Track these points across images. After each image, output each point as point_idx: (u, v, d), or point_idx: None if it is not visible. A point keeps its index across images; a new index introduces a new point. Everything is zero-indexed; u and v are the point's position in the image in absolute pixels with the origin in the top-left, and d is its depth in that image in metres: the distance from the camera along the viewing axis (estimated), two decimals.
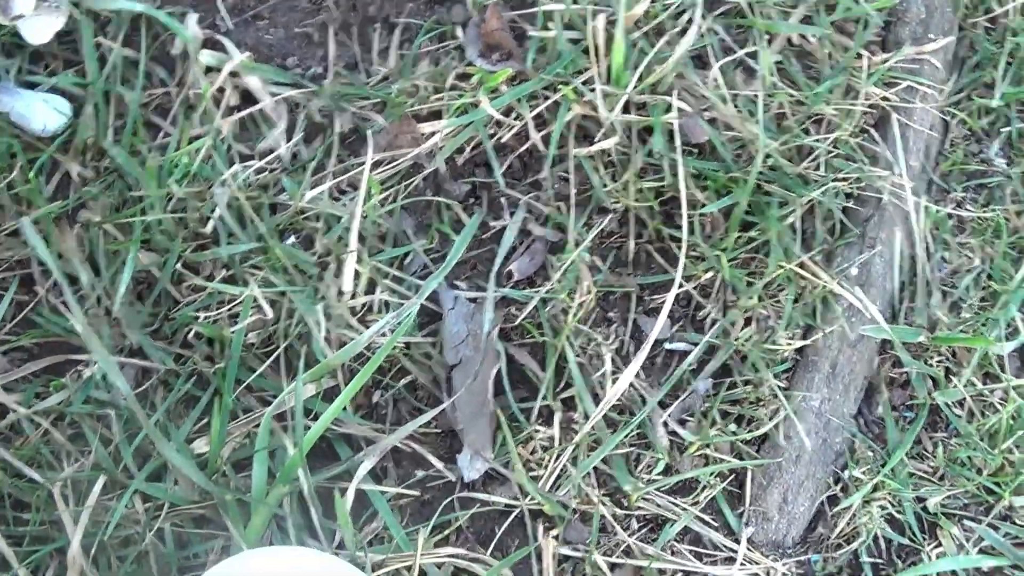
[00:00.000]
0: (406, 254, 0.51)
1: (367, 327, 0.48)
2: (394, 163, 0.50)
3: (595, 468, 0.47)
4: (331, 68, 0.52)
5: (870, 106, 0.53)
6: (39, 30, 0.48)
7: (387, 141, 0.50)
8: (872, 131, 0.53)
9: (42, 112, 0.50)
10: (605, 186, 0.51)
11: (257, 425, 0.46)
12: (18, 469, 0.47)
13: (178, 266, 0.50)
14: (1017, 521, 0.49)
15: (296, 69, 0.52)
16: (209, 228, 0.49)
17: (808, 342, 0.50)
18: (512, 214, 0.51)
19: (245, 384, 0.48)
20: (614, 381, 0.47)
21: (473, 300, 0.50)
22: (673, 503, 0.48)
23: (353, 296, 0.48)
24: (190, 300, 0.50)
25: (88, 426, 0.48)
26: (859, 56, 0.53)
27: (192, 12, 0.52)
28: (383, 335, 0.47)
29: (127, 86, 0.52)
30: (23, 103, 0.50)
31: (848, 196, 0.52)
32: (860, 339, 0.50)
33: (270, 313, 0.47)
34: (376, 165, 0.50)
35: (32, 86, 0.52)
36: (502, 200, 0.52)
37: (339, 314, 0.47)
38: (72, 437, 0.48)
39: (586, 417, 0.47)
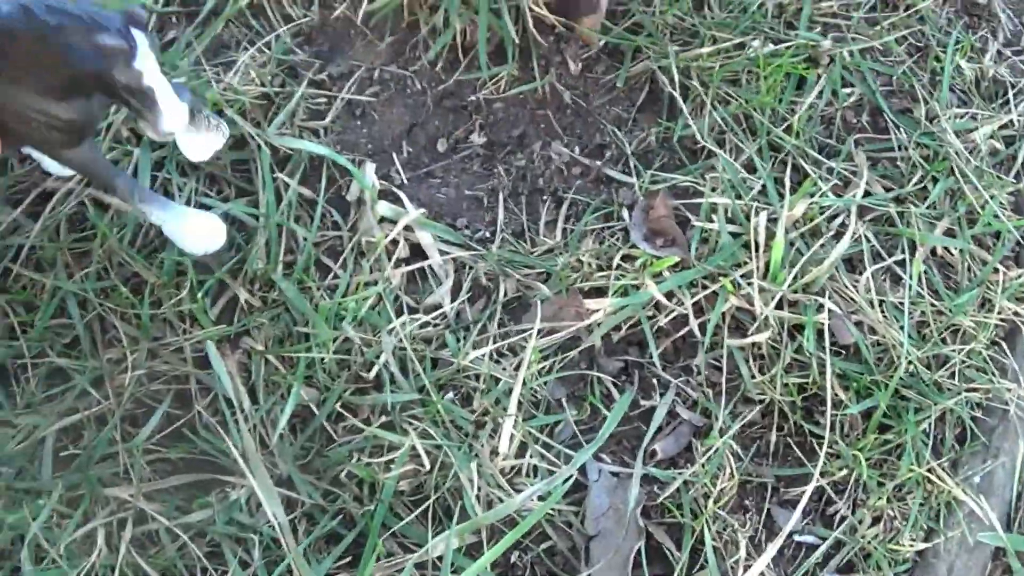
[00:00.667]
0: (557, 422, 0.87)
1: (515, 488, 0.83)
2: (554, 334, 0.88)
3: None
4: (499, 233, 0.90)
5: (1001, 319, 0.92)
6: (197, 148, 0.83)
7: (551, 312, 0.87)
8: (1002, 343, 0.92)
9: (196, 233, 0.88)
10: (753, 377, 0.88)
11: (399, 570, 0.80)
12: None
13: (337, 405, 0.85)
14: None
15: (465, 230, 0.90)
16: (372, 374, 0.85)
17: (929, 545, 0.86)
18: (662, 395, 0.88)
19: (391, 530, 0.83)
20: (746, 568, 0.83)
21: (616, 474, 0.87)
22: None
23: (504, 457, 0.83)
24: (345, 440, 0.85)
25: (228, 547, 0.83)
26: (996, 270, 0.93)
27: (370, 161, 0.90)
28: (531, 500, 0.82)
29: (300, 223, 0.88)
30: (179, 220, 0.88)
31: (977, 406, 0.90)
32: (977, 545, 0.86)
33: (428, 465, 0.83)
34: (537, 333, 0.86)
35: (206, 207, 0.88)
36: (653, 380, 0.89)
37: (491, 473, 0.83)
38: (208, 555, 0.84)
39: None
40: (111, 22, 0.61)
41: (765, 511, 0.89)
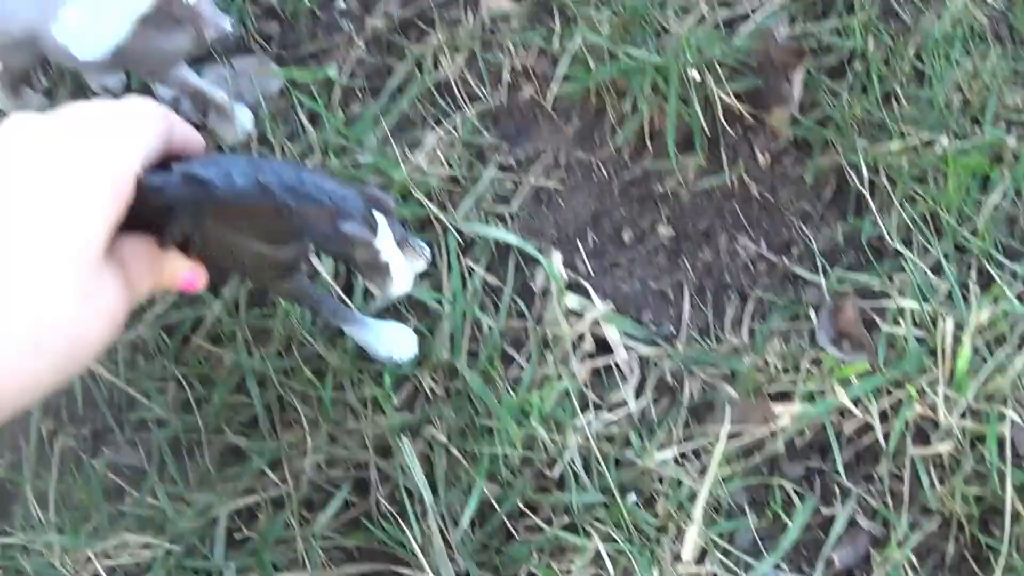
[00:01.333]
0: (738, 528, 0.99)
1: None
2: (739, 437, 1.00)
3: None
4: (684, 330, 1.02)
5: None
6: (405, 283, 0.91)
7: (738, 415, 0.99)
8: None
9: (389, 344, 0.98)
10: (933, 487, 1.00)
11: None
12: None
13: (519, 502, 0.97)
14: None
15: (650, 325, 1.02)
16: (556, 472, 0.97)
17: None
18: (843, 503, 1.00)
19: None
20: None
21: None
22: None
23: (685, 564, 0.95)
24: (526, 539, 0.97)
25: None
26: None
27: (556, 251, 1.02)
28: None
29: (485, 311, 1.01)
30: (375, 334, 0.97)
31: None
32: None
33: (612, 570, 0.95)
34: (719, 437, 0.98)
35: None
36: (835, 488, 1.01)
37: None
38: None
39: None
40: (355, 208, 0.63)
41: None
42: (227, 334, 1.03)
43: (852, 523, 1.00)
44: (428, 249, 0.73)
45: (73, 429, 1.07)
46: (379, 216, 0.66)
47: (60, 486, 1.05)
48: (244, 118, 1.08)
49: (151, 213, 0.63)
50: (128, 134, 0.58)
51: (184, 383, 1.04)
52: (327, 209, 0.61)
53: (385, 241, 0.66)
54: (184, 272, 0.67)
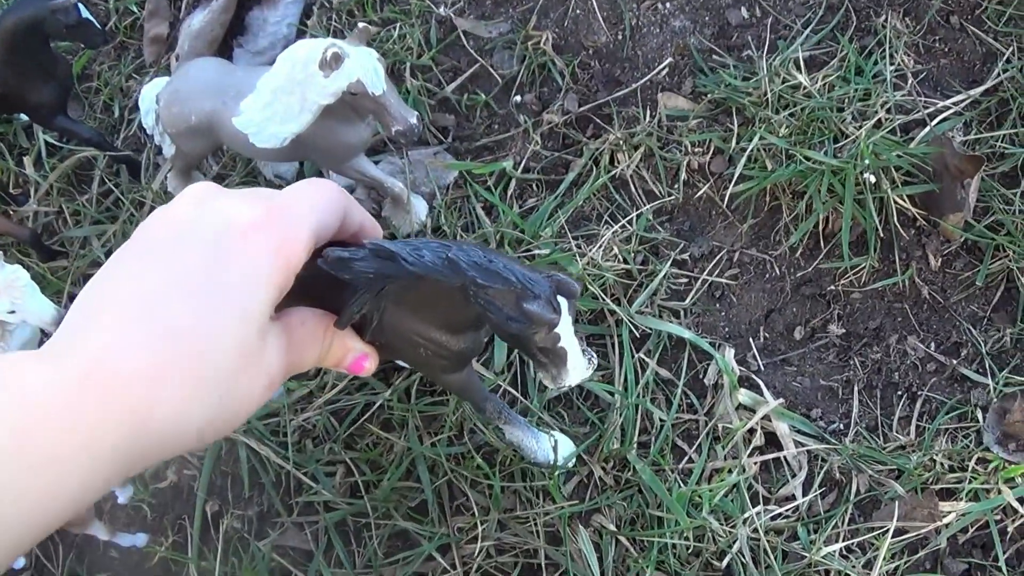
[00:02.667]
0: None
1: None
2: (903, 533, 1.34)
3: None
4: (852, 427, 1.37)
5: None
6: (579, 373, 0.92)
7: (904, 511, 1.33)
8: None
9: (548, 451, 1.21)
10: None
11: None
12: None
13: None
14: None
15: (819, 421, 1.36)
16: (724, 563, 1.31)
17: None
18: None
19: None
20: None
21: None
22: None
23: None
24: None
25: None
26: None
27: (728, 346, 1.37)
28: None
29: (655, 403, 1.36)
30: (534, 441, 1.21)
31: None
32: None
33: None
34: (885, 533, 1.28)
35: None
36: None
37: None
38: None
39: None
40: (542, 290, 0.69)
41: None
42: (398, 421, 1.27)
43: None
44: (596, 358, 0.84)
45: (239, 511, 1.33)
46: (563, 301, 0.76)
47: (224, 567, 1.29)
48: (420, 208, 1.34)
49: (325, 288, 0.70)
50: (302, 203, 0.64)
51: (353, 467, 1.30)
52: (514, 289, 0.68)
53: (566, 326, 0.77)
54: (356, 353, 0.78)
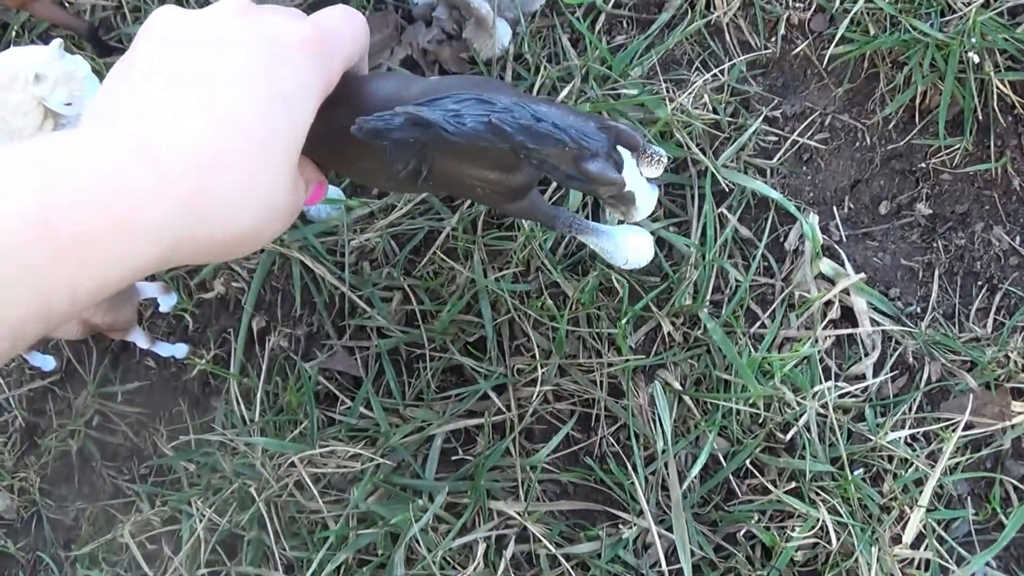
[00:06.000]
0: (955, 518, 1.18)
1: None
2: (973, 429, 1.18)
3: None
4: (929, 312, 1.20)
5: None
6: (649, 208, 0.91)
7: (974, 405, 1.18)
8: None
9: (628, 249, 1.08)
10: None
11: None
12: None
13: (747, 461, 1.16)
14: None
15: (897, 301, 1.20)
16: (788, 436, 1.16)
17: None
18: None
19: None
20: None
21: None
22: None
23: (903, 546, 1.13)
24: (747, 499, 1.16)
25: None
26: None
27: (814, 212, 1.21)
28: None
29: (731, 262, 1.19)
30: (613, 240, 1.08)
31: None
32: None
33: (835, 542, 1.14)
34: (955, 425, 1.16)
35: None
36: None
37: (888, 560, 1.13)
38: None
39: None
40: (599, 145, 0.64)
41: None
42: (462, 251, 1.17)
43: None
44: (666, 157, 0.76)
45: (287, 329, 1.23)
46: (624, 152, 0.71)
47: (267, 386, 1.21)
48: (503, 33, 1.22)
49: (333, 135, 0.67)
50: (346, 31, 0.64)
51: (411, 295, 1.19)
52: (570, 150, 0.63)
53: (630, 173, 0.71)
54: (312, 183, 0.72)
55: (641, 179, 0.76)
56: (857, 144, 1.21)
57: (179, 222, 0.50)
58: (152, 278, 1.19)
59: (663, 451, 1.12)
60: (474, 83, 0.68)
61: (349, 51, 0.63)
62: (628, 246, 1.06)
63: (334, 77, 0.62)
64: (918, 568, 1.11)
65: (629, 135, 0.69)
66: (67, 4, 1.31)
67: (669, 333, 1.17)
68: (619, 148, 0.71)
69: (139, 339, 1.15)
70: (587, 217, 1.10)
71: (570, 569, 1.09)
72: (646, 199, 0.79)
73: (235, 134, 0.53)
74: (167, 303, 1.19)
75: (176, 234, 0.50)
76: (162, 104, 0.53)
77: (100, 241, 0.46)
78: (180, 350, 1.20)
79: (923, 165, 1.20)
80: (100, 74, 1.27)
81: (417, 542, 1.09)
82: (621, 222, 1.08)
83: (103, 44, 1.29)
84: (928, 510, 1.12)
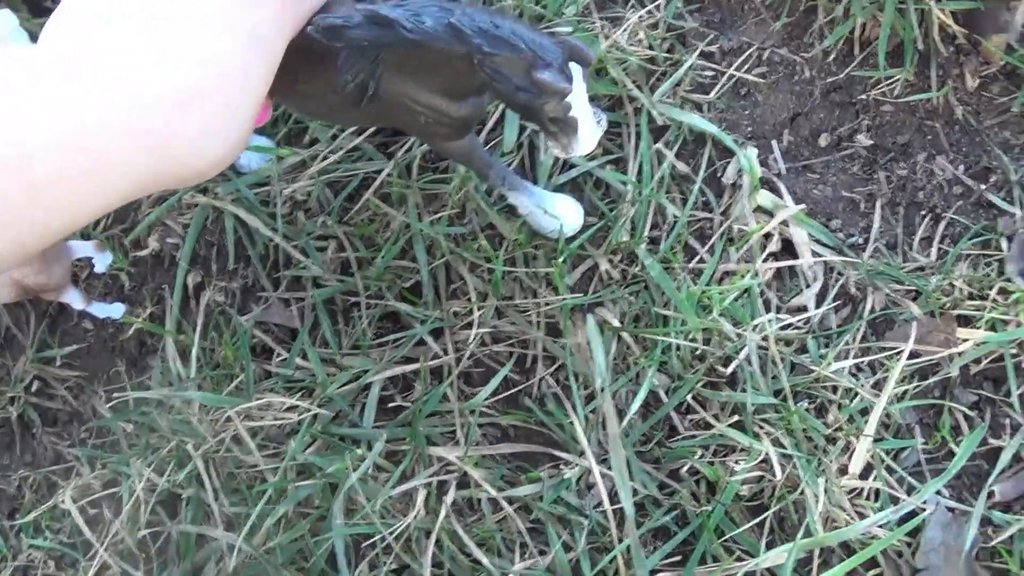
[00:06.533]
0: (904, 448, 1.14)
1: (855, 509, 1.10)
2: (916, 357, 1.14)
3: None
4: (872, 242, 1.17)
5: None
6: (591, 142, 0.98)
7: (920, 334, 1.14)
8: None
9: (555, 215, 1.08)
10: None
11: (727, 574, 1.06)
12: (467, 547, 1.05)
13: (688, 397, 1.12)
14: None
15: (838, 233, 1.17)
16: (729, 369, 1.12)
17: None
18: (1012, 436, 1.15)
19: (724, 535, 1.09)
20: None
21: (951, 510, 1.14)
22: None
23: (850, 477, 1.09)
24: (689, 435, 1.12)
25: (552, 527, 1.08)
26: None
27: (751, 146, 1.17)
28: (875, 527, 1.07)
29: (669, 198, 1.15)
30: (538, 201, 1.07)
31: None
32: None
33: (779, 474, 1.10)
34: (900, 353, 1.12)
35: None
36: (1005, 420, 1.16)
37: (835, 491, 1.09)
38: (530, 531, 1.05)
39: None
40: (553, 57, 0.64)
41: None
42: (396, 197, 1.15)
43: (1017, 458, 1.12)
44: (605, 117, 0.76)
45: (222, 283, 1.19)
46: (576, 68, 0.69)
47: (204, 342, 1.17)
48: None
49: (310, 62, 0.68)
50: None
51: (346, 242, 1.16)
52: (523, 57, 0.62)
53: (579, 94, 0.70)
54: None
55: (587, 110, 0.73)
56: (796, 78, 1.18)
57: (152, 161, 0.51)
58: (86, 237, 1.15)
59: (602, 389, 1.07)
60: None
61: None
62: (558, 211, 1.06)
63: (306, 17, 0.62)
64: (867, 499, 1.08)
65: (582, 50, 0.68)
66: None
67: (607, 271, 1.14)
68: (571, 65, 0.69)
69: (74, 300, 1.12)
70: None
71: (512, 512, 1.06)
72: (588, 129, 0.75)
73: (213, 75, 0.53)
74: (103, 262, 1.16)
75: (147, 171, 0.51)
76: (140, 46, 0.52)
77: (75, 180, 0.47)
78: (117, 310, 1.16)
79: (863, 97, 1.17)
80: (32, 37, 1.24)
81: (356, 492, 1.06)
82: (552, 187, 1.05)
83: (37, 4, 1.26)
84: (875, 440, 1.09)
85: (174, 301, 1.20)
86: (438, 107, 0.72)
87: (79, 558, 1.13)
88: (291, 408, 1.09)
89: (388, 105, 0.72)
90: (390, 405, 1.13)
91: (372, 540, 1.05)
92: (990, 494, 1.10)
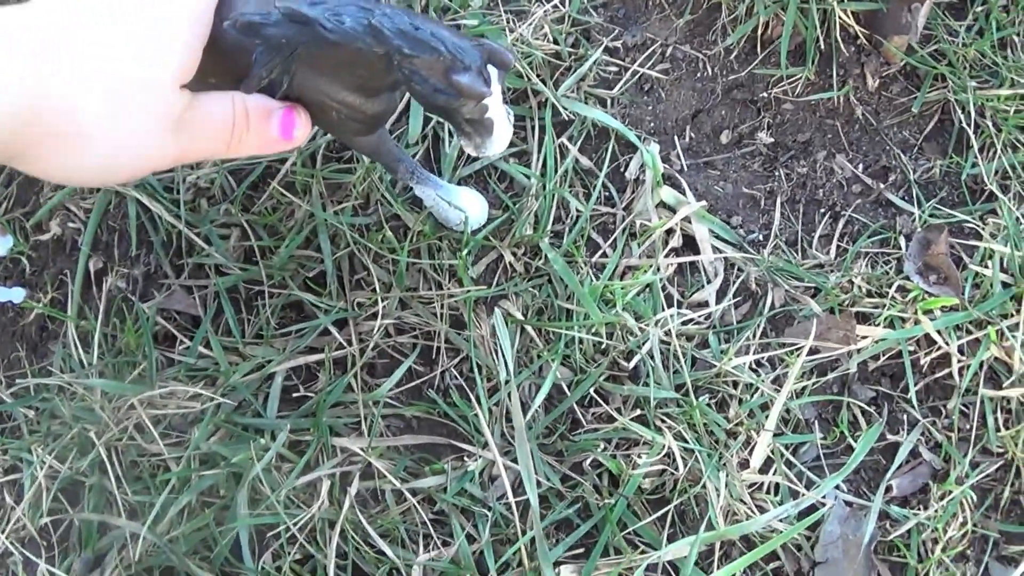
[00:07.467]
0: (803, 442, 1.13)
1: (756, 503, 1.09)
2: (815, 354, 1.13)
3: None
4: (772, 239, 1.15)
5: None
6: (503, 143, 0.87)
7: (819, 331, 1.13)
8: None
9: (460, 209, 1.06)
10: (998, 431, 1.15)
11: (628, 569, 1.03)
12: (371, 538, 1.02)
13: (591, 390, 1.10)
14: None
15: (739, 229, 1.15)
16: (632, 363, 1.10)
17: None
18: (909, 432, 1.14)
19: (627, 528, 1.07)
20: None
21: (849, 504, 1.13)
22: None
23: (751, 471, 1.08)
24: (592, 428, 1.10)
25: (456, 518, 1.05)
26: None
27: (654, 141, 1.15)
28: (775, 520, 1.06)
29: (572, 193, 1.13)
30: (444, 195, 1.05)
31: None
32: None
33: (682, 468, 1.08)
34: (800, 349, 1.11)
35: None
36: (902, 416, 1.15)
37: (736, 485, 1.08)
38: (433, 522, 1.03)
39: None
40: (472, 59, 0.63)
41: (984, 564, 1.15)
42: (300, 186, 1.11)
43: (914, 453, 1.11)
44: (512, 114, 0.75)
45: (124, 269, 1.15)
46: (492, 71, 0.68)
47: (105, 328, 1.13)
48: None
49: (230, 58, 0.66)
50: None
51: (249, 231, 1.12)
52: (442, 59, 0.62)
53: (495, 97, 0.69)
54: (279, 114, 0.69)
55: (501, 110, 0.73)
56: (698, 74, 1.16)
57: (21, 106, 0.51)
58: None
59: (506, 381, 1.05)
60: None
61: None
62: (463, 204, 1.04)
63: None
64: (767, 492, 1.07)
65: (502, 54, 0.67)
66: None
67: (511, 263, 1.11)
68: (489, 68, 0.69)
69: None
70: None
71: (416, 504, 1.03)
72: (502, 130, 0.75)
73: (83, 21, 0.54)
74: (3, 246, 1.11)
75: (16, 121, 0.51)
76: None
77: None
78: (17, 294, 1.11)
79: (765, 95, 1.16)
80: None
81: (260, 482, 1.02)
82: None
83: None
84: (776, 434, 1.08)
85: (75, 286, 1.15)
86: (351, 103, 0.70)
87: None
88: (194, 397, 1.06)
89: (300, 99, 0.70)
90: (294, 395, 1.09)
91: (276, 530, 1.02)
92: (887, 489, 1.10)
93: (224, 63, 0.66)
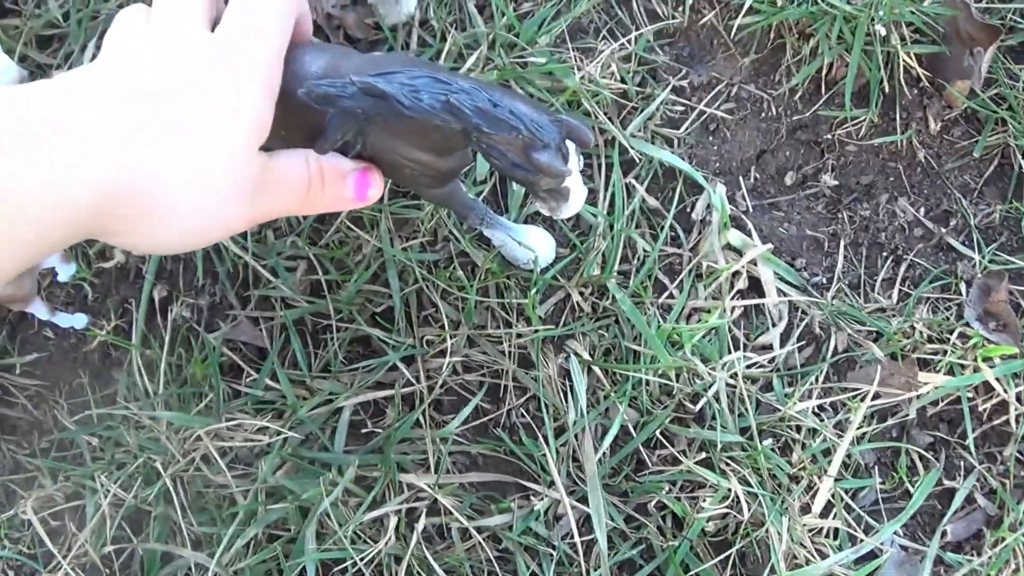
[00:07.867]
0: (863, 487, 1.12)
1: (816, 547, 1.08)
2: (880, 399, 1.13)
3: None
4: (835, 282, 1.15)
5: None
6: (578, 207, 0.84)
7: (881, 376, 1.12)
8: None
9: (529, 248, 1.05)
10: None
11: None
12: (437, 574, 1.01)
13: (657, 432, 1.09)
14: None
15: (803, 272, 1.15)
16: (697, 407, 1.10)
17: None
18: (965, 478, 1.14)
19: (691, 572, 1.07)
20: None
21: (905, 548, 1.13)
22: None
23: (812, 516, 1.07)
24: (657, 470, 1.09)
25: (521, 557, 1.06)
26: None
27: (721, 183, 1.14)
28: (836, 566, 1.06)
29: (639, 232, 1.13)
30: (513, 235, 1.04)
31: None
32: None
33: (747, 512, 1.08)
34: (862, 395, 1.11)
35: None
36: (959, 462, 1.15)
37: (798, 530, 1.08)
38: (498, 559, 1.03)
39: None
40: (551, 137, 0.62)
41: None
42: (368, 220, 1.10)
43: (970, 499, 1.11)
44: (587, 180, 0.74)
45: (189, 299, 1.14)
46: (571, 145, 0.68)
47: (170, 357, 1.12)
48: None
49: (300, 108, 0.65)
50: (269, 21, 0.60)
51: (316, 264, 1.11)
52: (522, 138, 0.61)
53: (573, 171, 0.69)
54: (354, 174, 0.68)
55: (579, 181, 0.72)
56: (763, 115, 1.15)
57: (102, 194, 0.51)
58: None
59: (575, 422, 1.06)
60: (412, 62, 0.65)
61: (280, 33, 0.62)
62: (531, 243, 1.03)
63: (276, 77, 0.62)
64: (827, 537, 1.06)
65: (580, 131, 0.67)
66: None
67: (578, 303, 1.10)
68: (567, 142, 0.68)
69: (39, 310, 1.06)
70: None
71: (482, 541, 1.03)
72: (578, 195, 0.74)
73: (154, 105, 0.55)
74: (66, 272, 1.10)
75: (100, 205, 0.51)
76: (91, 70, 0.55)
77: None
78: (79, 320, 1.10)
79: (828, 136, 1.15)
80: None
81: (328, 516, 1.02)
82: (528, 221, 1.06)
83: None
84: (836, 479, 1.07)
85: (140, 315, 1.15)
86: (425, 162, 0.69)
87: (39, 569, 1.08)
88: (261, 429, 1.05)
89: (373, 158, 0.69)
90: (362, 431, 1.09)
91: (343, 565, 1.02)
92: (943, 534, 1.09)
93: (293, 118, 0.66)
